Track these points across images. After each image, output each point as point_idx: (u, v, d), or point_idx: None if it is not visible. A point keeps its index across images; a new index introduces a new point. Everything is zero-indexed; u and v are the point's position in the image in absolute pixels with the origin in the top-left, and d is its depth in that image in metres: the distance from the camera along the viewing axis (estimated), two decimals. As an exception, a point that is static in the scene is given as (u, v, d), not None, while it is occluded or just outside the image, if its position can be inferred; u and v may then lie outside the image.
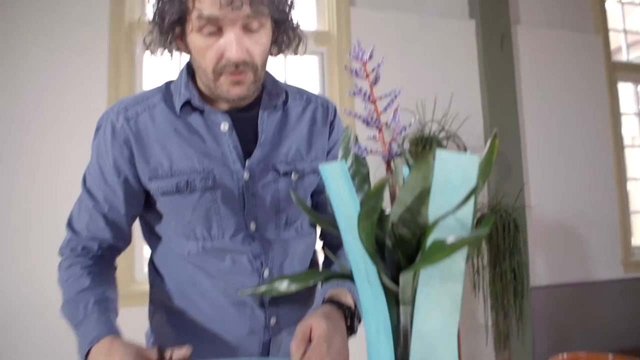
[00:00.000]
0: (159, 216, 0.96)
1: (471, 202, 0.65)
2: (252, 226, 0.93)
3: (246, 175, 0.93)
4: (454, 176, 0.63)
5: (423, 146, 3.14)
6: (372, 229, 0.60)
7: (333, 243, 1.09)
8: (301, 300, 0.98)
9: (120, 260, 0.99)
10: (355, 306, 0.93)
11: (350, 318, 0.91)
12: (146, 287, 1.02)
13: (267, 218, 0.95)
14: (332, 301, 0.91)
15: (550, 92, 3.88)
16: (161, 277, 0.99)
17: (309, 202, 1.02)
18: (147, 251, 1.03)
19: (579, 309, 3.71)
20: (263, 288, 0.77)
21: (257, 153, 0.94)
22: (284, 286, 0.75)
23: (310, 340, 0.83)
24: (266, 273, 0.94)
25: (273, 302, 0.95)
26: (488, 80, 3.66)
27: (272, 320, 0.95)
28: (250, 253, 0.94)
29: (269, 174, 0.95)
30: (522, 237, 3.21)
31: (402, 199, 0.58)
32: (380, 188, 0.55)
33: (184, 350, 0.80)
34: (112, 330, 0.83)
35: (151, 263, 1.02)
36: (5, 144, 3.08)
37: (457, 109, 3.42)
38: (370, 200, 0.56)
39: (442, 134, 3.25)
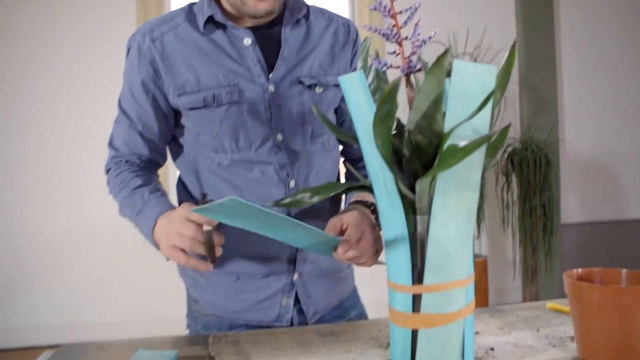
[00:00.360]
0: (187, 133, 1.00)
1: (488, 112, 0.65)
2: (279, 137, 0.97)
3: (271, 87, 0.95)
4: (472, 86, 0.64)
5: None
6: (388, 136, 0.62)
7: (354, 157, 1.12)
8: (326, 215, 1.01)
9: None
10: None
11: (376, 216, 0.95)
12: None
13: (294, 130, 0.98)
14: (358, 201, 0.97)
15: (591, 24, 3.71)
16: (190, 194, 1.05)
17: (332, 118, 1.04)
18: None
19: (611, 247, 3.69)
20: (287, 200, 0.81)
21: (281, 66, 0.96)
22: (306, 198, 0.79)
23: (342, 232, 0.88)
24: (292, 184, 0.98)
25: (299, 216, 0.99)
26: (524, 10, 3.52)
27: None
28: (277, 163, 0.98)
29: (294, 87, 0.97)
30: (553, 173, 3.17)
31: (418, 105, 0.60)
32: (392, 91, 0.56)
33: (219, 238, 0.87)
34: (171, 207, 0.92)
35: (180, 182, 1.07)
36: (51, 68, 3.17)
37: (490, 41, 3.31)
38: (384, 105, 0.57)
39: (475, 68, 3.17)
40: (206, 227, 0.84)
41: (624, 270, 0.79)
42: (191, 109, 0.96)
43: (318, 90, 0.99)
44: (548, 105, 3.51)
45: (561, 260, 3.44)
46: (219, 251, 0.86)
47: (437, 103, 0.58)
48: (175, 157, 1.07)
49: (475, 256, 3.28)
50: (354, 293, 1.15)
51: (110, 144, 1.04)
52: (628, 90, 3.77)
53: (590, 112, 3.70)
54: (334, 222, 0.89)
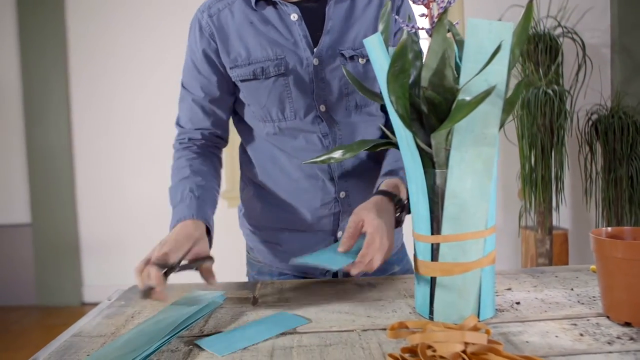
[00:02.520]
0: (242, 104, 1.09)
1: (504, 68, 0.67)
2: (322, 108, 1.02)
3: (315, 61, 1.01)
4: (487, 43, 0.66)
5: (535, 44, 2.94)
6: (403, 93, 0.65)
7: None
8: (367, 176, 1.06)
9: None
10: (408, 199, 0.98)
11: (400, 210, 0.95)
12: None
13: (336, 101, 1.03)
14: (385, 192, 0.95)
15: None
16: (248, 157, 1.14)
17: (378, 88, 1.08)
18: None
19: None
20: (322, 157, 0.87)
21: (325, 40, 1.01)
22: (338, 154, 0.85)
23: (361, 233, 0.89)
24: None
25: (342, 177, 1.06)
26: (617, -34, 3.26)
27: (342, 194, 1.06)
28: (320, 132, 1.04)
29: (337, 59, 1.01)
30: (643, 142, 2.97)
31: (428, 63, 0.63)
32: (402, 48, 0.59)
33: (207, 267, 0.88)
34: (196, 214, 0.95)
35: (241, 147, 1.18)
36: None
37: (577, 1, 3.11)
38: (395, 62, 0.61)
39: (558, 31, 3.00)
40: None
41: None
42: (242, 80, 1.04)
43: (361, 61, 1.02)
44: (643, 70, 3.26)
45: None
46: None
47: (445, 60, 0.61)
48: (236, 126, 1.17)
49: (555, 228, 3.19)
50: (401, 249, 1.20)
51: (177, 123, 1.13)
52: None
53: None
54: (355, 223, 0.88)
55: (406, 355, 0.61)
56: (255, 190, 1.15)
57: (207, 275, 0.87)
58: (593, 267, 1.00)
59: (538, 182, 2.87)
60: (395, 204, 0.94)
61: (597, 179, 3.06)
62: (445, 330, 0.62)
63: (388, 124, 1.13)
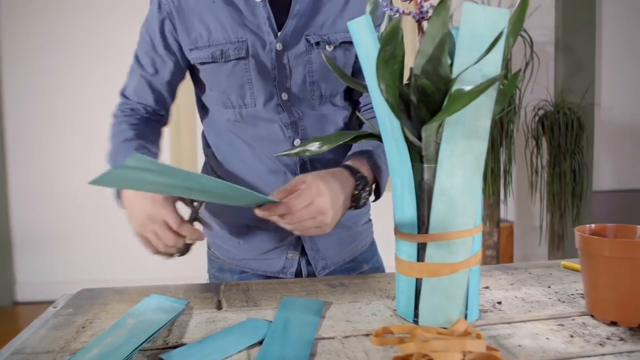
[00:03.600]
0: (204, 88, 1.02)
1: (499, 58, 0.63)
2: (284, 96, 0.96)
3: (279, 46, 0.94)
4: (482, 30, 0.62)
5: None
6: (393, 80, 0.60)
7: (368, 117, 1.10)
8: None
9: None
10: (376, 183, 0.92)
11: (362, 189, 0.87)
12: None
13: (300, 89, 0.97)
14: (347, 166, 0.88)
15: (635, -19, 3.52)
16: (210, 147, 1.07)
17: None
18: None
19: (644, 215, 3.59)
20: (297, 149, 0.81)
21: (290, 24, 0.95)
22: (315, 147, 0.79)
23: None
24: (297, 142, 0.98)
25: (304, 170, 1.00)
26: (563, -34, 3.36)
27: None
28: (281, 122, 0.98)
29: (301, 45, 0.96)
30: (585, 137, 3.08)
31: (423, 49, 0.58)
32: (393, 31, 0.54)
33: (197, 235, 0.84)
34: None
35: (203, 137, 1.10)
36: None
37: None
38: (386, 46, 0.56)
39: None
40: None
41: (639, 227, 0.77)
42: (201, 63, 0.98)
43: (328, 48, 0.96)
44: (584, 68, 3.38)
45: (590, 227, 3.37)
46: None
47: (442, 46, 0.57)
48: (199, 112, 1.09)
49: (502, 221, 3.26)
50: (370, 247, 1.15)
51: (122, 92, 1.07)
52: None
53: (628, 77, 3.55)
54: (296, 181, 0.80)
55: (400, 366, 0.56)
56: None
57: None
58: (564, 262, 0.99)
59: (487, 175, 2.92)
60: (355, 180, 0.87)
61: (542, 172, 3.15)
62: (442, 337, 0.58)
63: (353, 117, 1.08)
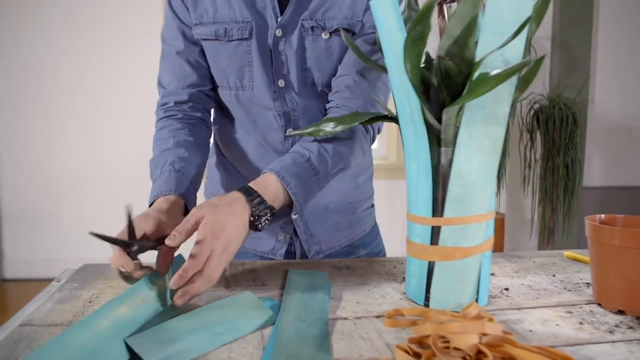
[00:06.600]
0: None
1: (522, 43, 0.63)
2: (281, 83, 0.95)
3: (278, 32, 0.93)
4: (507, 15, 0.61)
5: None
6: (417, 61, 0.60)
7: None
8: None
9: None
10: (291, 201, 0.83)
11: (259, 214, 0.78)
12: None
13: (296, 76, 0.96)
14: (248, 190, 0.79)
15: (634, -22, 3.53)
16: (216, 123, 1.07)
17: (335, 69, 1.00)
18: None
19: (633, 214, 3.62)
20: (310, 129, 0.80)
21: (289, 10, 0.93)
22: (329, 127, 0.78)
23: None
24: (289, 132, 0.98)
25: None
26: (563, -39, 3.35)
27: None
28: (275, 110, 0.98)
29: (298, 31, 0.94)
30: (579, 133, 3.10)
31: (451, 30, 0.57)
32: (427, 10, 0.54)
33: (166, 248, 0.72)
34: (174, 189, 0.84)
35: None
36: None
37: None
38: (417, 26, 0.55)
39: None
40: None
41: (648, 218, 0.78)
42: (204, 39, 0.96)
43: (324, 35, 0.94)
44: (580, 64, 3.39)
45: (579, 222, 3.41)
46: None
47: (471, 28, 0.56)
48: None
49: (493, 213, 3.29)
50: (370, 232, 1.15)
51: (159, 83, 1.02)
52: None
53: (623, 74, 3.57)
54: (193, 218, 0.72)
55: (416, 347, 0.56)
56: (218, 159, 1.09)
57: (161, 260, 0.71)
58: (567, 253, 1.00)
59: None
60: (252, 207, 0.77)
61: (536, 166, 3.17)
62: (457, 319, 0.58)
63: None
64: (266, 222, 0.80)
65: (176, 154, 0.91)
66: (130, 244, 0.69)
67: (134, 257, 0.70)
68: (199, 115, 1.00)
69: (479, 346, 0.53)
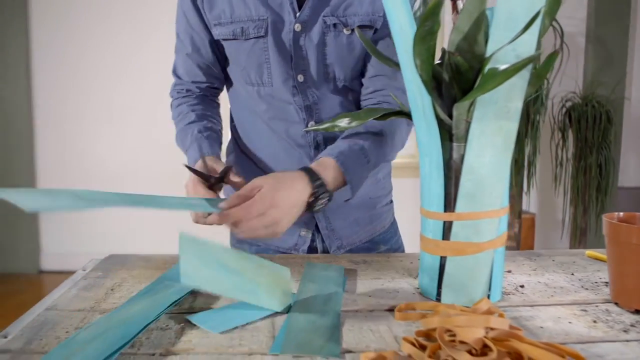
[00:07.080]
0: (228, 61, 1.04)
1: (533, 38, 0.63)
2: (300, 78, 0.97)
3: (297, 27, 0.94)
4: (518, 10, 0.61)
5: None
6: (428, 56, 0.60)
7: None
8: None
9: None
10: (346, 183, 0.87)
11: (319, 196, 0.82)
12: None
13: (316, 71, 0.97)
14: (308, 170, 0.83)
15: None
16: (234, 119, 1.10)
17: (363, 66, 1.00)
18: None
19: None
20: (326, 125, 0.82)
21: (308, 5, 0.94)
22: (344, 122, 0.79)
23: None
24: (311, 125, 0.99)
25: (318, 150, 1.01)
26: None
27: None
28: (296, 104, 0.99)
29: (318, 27, 0.95)
30: (614, 132, 3.02)
31: (459, 26, 0.58)
32: (436, 6, 0.54)
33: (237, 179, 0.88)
34: (209, 152, 0.96)
35: (230, 112, 1.12)
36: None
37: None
38: (426, 21, 0.55)
39: (539, 16, 2.99)
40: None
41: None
42: (223, 39, 0.99)
43: (346, 31, 0.95)
44: (615, 61, 3.30)
45: (614, 223, 3.31)
46: None
47: (479, 23, 0.56)
48: (226, 86, 1.11)
49: (524, 212, 3.23)
50: (390, 228, 1.16)
51: (174, 72, 1.10)
52: None
53: (662, 70, 3.46)
54: (251, 187, 0.78)
55: (422, 340, 0.57)
56: (237, 156, 1.12)
57: (235, 183, 0.87)
58: (589, 252, 0.98)
59: (511, 166, 2.89)
60: (313, 187, 0.81)
61: (567, 165, 3.10)
62: (465, 313, 0.58)
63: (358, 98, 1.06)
64: (322, 204, 0.84)
65: (201, 125, 1.02)
66: (209, 177, 0.88)
67: (211, 186, 0.88)
68: (208, 95, 1.11)
69: (485, 340, 0.53)
